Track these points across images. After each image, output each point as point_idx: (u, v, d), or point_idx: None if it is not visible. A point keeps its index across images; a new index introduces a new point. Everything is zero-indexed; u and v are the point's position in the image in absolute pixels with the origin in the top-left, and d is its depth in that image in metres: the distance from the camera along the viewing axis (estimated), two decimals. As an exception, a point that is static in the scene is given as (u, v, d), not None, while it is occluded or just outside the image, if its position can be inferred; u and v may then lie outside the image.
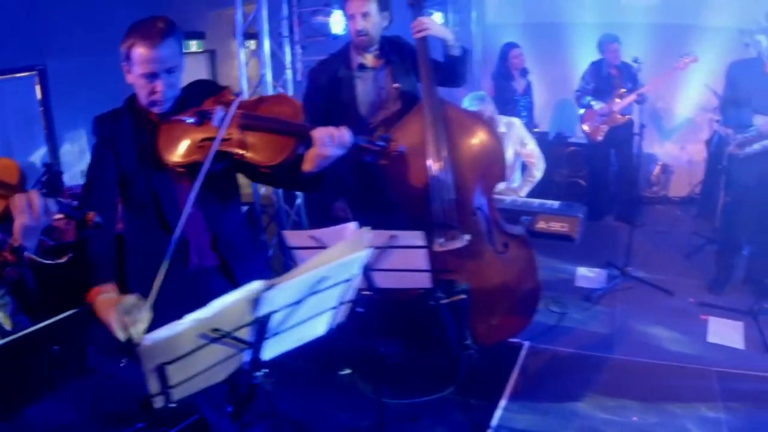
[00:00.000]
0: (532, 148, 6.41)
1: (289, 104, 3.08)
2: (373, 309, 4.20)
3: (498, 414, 4.42)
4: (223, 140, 2.87)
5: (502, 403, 4.54)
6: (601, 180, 8.59)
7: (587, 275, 6.75)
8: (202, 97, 3.04)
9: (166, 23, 2.92)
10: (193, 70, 8.46)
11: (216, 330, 2.18)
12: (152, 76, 2.88)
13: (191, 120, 2.90)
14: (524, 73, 8.60)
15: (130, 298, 2.52)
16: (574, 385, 4.77)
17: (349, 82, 4.56)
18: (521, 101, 8.47)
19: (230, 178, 3.26)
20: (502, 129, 6.29)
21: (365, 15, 4.36)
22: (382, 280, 3.50)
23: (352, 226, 3.17)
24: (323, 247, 3.15)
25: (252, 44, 7.42)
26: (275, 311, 2.28)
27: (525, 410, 4.49)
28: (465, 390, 4.50)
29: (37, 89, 6.89)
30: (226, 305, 2.16)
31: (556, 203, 5.65)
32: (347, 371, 4.69)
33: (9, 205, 2.36)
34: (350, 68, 4.56)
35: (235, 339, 2.28)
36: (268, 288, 2.17)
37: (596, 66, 8.29)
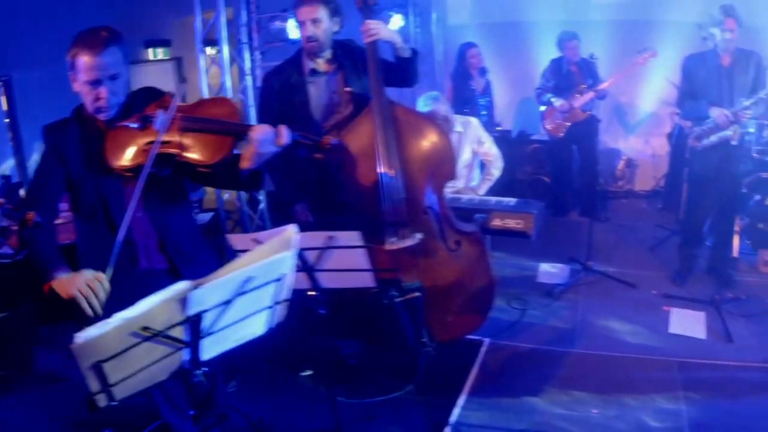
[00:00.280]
0: (489, 146, 6.39)
1: (226, 105, 3.20)
2: (333, 310, 4.20)
3: (456, 411, 4.41)
4: (164, 143, 2.97)
5: (461, 400, 4.53)
6: (564, 176, 8.62)
7: (550, 271, 6.76)
8: (146, 103, 3.13)
9: (109, 32, 3.00)
10: (160, 78, 8.47)
11: (146, 329, 2.22)
12: (96, 83, 2.98)
13: (135, 125, 3.01)
14: (483, 72, 8.59)
15: (89, 271, 2.71)
16: (534, 381, 4.75)
17: (302, 88, 4.57)
18: (481, 100, 8.46)
19: (177, 182, 3.32)
20: (458, 128, 6.31)
21: (315, 21, 4.39)
22: (327, 281, 3.51)
23: (291, 228, 3.13)
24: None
25: (214, 51, 7.43)
26: (206, 310, 2.32)
27: (484, 407, 4.47)
28: (424, 388, 4.48)
29: (3, 100, 6.84)
30: (154, 304, 2.20)
31: (512, 200, 5.61)
32: (309, 372, 4.66)
33: None
34: (302, 74, 4.58)
35: (169, 338, 2.32)
36: (195, 287, 2.23)
37: (556, 63, 8.33)
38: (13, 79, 6.82)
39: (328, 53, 4.56)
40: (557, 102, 8.13)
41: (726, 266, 6.45)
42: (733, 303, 5.91)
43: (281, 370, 4.89)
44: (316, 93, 4.59)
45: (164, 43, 9.41)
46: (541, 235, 6.69)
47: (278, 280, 2.60)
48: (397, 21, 9.14)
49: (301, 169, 4.49)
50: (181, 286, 2.23)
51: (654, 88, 9.18)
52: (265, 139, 2.99)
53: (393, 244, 4.31)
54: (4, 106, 6.94)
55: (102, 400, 2.27)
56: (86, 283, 2.70)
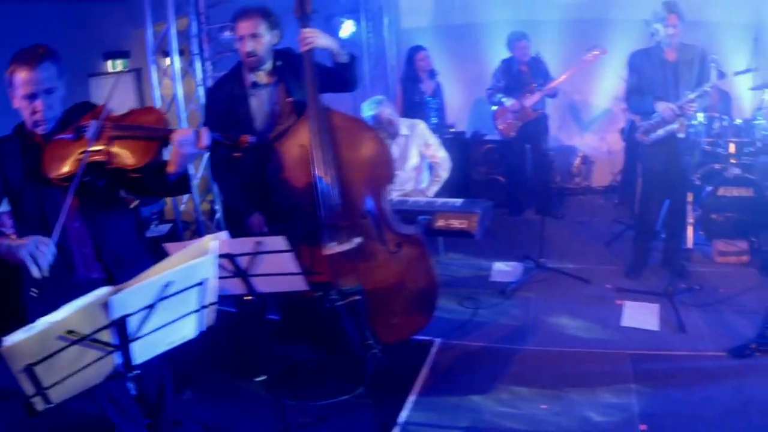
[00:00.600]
0: (436, 148, 6.46)
1: (154, 113, 3.36)
2: (285, 315, 4.53)
3: (405, 411, 4.41)
4: (96, 151, 3.10)
5: (411, 399, 4.53)
6: (518, 175, 8.66)
7: (503, 270, 6.76)
8: (81, 115, 3.25)
9: (45, 49, 3.15)
10: (119, 90, 8.35)
11: (72, 332, 2.28)
12: (32, 97, 3.12)
13: (69, 136, 3.14)
14: (432, 74, 8.61)
15: (35, 236, 2.85)
16: (484, 379, 4.76)
17: (244, 100, 4.58)
18: (431, 103, 8.47)
19: (114, 191, 3.45)
20: (404, 131, 6.37)
21: (255, 36, 4.41)
22: (261, 286, 3.53)
23: (223, 235, 3.15)
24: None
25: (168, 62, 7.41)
26: (129, 314, 2.39)
27: (433, 406, 4.47)
28: (375, 389, 4.49)
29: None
30: (77, 308, 2.27)
31: (459, 201, 5.63)
32: (262, 378, 4.66)
33: None
34: (244, 87, 4.59)
35: (97, 341, 2.37)
36: (116, 292, 2.32)
37: (506, 63, 8.38)
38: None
39: (268, 65, 4.57)
40: (508, 102, 8.17)
41: (680, 258, 6.50)
42: (687, 294, 5.98)
43: (236, 377, 4.88)
44: (258, 105, 4.60)
45: (123, 54, 9.33)
46: (495, 235, 6.83)
47: (200, 284, 2.65)
48: (348, 27, 9.18)
49: (248, 179, 4.54)
50: (101, 291, 2.31)
51: (607, 86, 9.28)
52: (185, 140, 3.11)
53: (331, 248, 4.34)
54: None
55: (39, 404, 2.32)
56: (33, 245, 2.80)
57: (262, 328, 4.34)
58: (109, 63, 9.39)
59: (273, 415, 4.09)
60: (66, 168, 3.12)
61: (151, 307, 2.45)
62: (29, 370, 2.22)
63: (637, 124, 6.32)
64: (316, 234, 4.36)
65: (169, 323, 2.61)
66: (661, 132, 6.02)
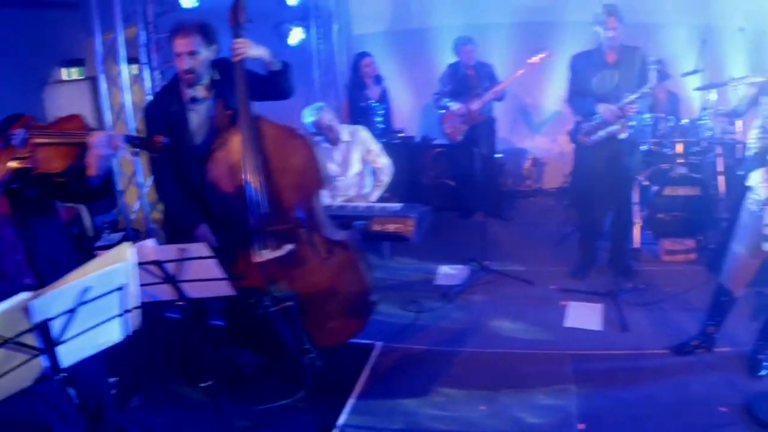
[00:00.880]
0: (377, 153, 6.52)
1: (76, 120, 3.39)
2: (228, 321, 4.64)
3: (344, 414, 4.42)
4: (22, 158, 3.17)
5: (350, 403, 4.55)
6: (467, 179, 8.61)
7: (449, 273, 6.77)
8: (11, 126, 3.29)
9: None
10: (75, 98, 8.25)
11: None
12: None
13: None
14: (378, 80, 8.60)
15: None
16: (423, 382, 4.76)
17: (183, 116, 4.53)
18: (377, 108, 8.45)
19: (45, 199, 3.47)
20: (346, 137, 6.43)
21: (192, 53, 4.35)
22: (191, 291, 3.61)
23: (149, 243, 3.34)
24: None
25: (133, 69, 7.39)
26: (51, 318, 2.46)
27: (371, 409, 4.48)
28: (316, 393, 4.41)
29: None
30: None
31: (397, 206, 5.67)
32: (208, 383, 4.63)
33: None
34: (182, 102, 4.54)
35: (21, 344, 2.43)
36: (35, 297, 2.39)
37: (453, 68, 8.42)
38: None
39: (206, 80, 4.53)
40: (454, 106, 8.21)
41: (626, 257, 6.55)
42: (632, 293, 6.02)
43: (183, 383, 4.83)
44: (198, 120, 4.56)
45: (78, 62, 9.21)
46: (443, 238, 6.87)
47: (120, 289, 2.74)
48: (297, 34, 9.17)
49: (192, 191, 4.54)
50: (21, 296, 2.37)
51: (557, 88, 9.16)
52: (99, 142, 3.19)
53: (263, 255, 4.35)
54: None
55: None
56: None
57: (206, 334, 4.56)
58: (65, 71, 9.27)
59: (219, 419, 4.09)
60: None
61: (72, 311, 2.51)
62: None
63: (578, 126, 6.31)
64: (248, 240, 4.38)
65: (94, 327, 2.68)
66: (602, 133, 6.06)
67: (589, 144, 6.20)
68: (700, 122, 7.51)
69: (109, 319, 2.75)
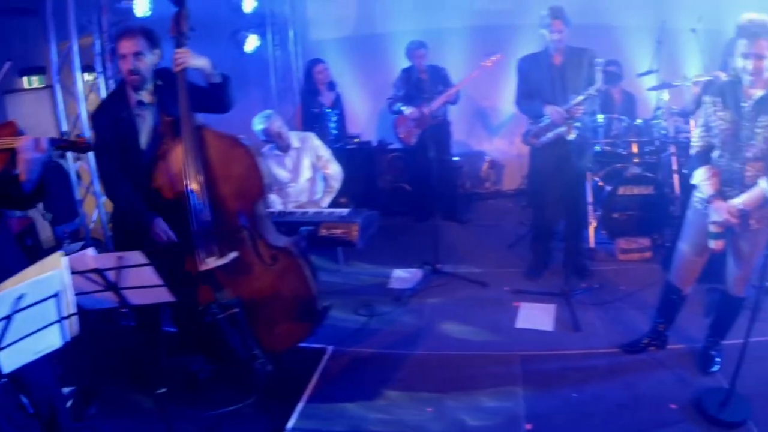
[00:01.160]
0: (327, 159, 6.57)
1: (9, 127, 3.41)
2: (180, 327, 4.66)
3: (294, 418, 4.41)
4: None
5: (299, 406, 4.54)
6: (423, 182, 8.59)
7: (402, 276, 6.75)
8: None
9: None
10: (36, 106, 8.17)
11: None
12: None
13: None
14: (332, 86, 8.60)
15: None
16: (371, 385, 4.76)
17: (130, 120, 4.53)
18: (330, 114, 8.45)
19: None
20: (295, 144, 6.49)
21: (137, 55, 4.38)
22: (132, 298, 3.64)
23: (89, 251, 3.34)
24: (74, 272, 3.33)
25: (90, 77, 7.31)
26: None
27: (319, 413, 4.48)
28: (267, 397, 4.43)
29: None
30: None
31: (345, 211, 5.75)
32: (163, 390, 4.61)
33: None
34: (129, 107, 4.54)
35: None
36: None
37: (406, 72, 8.41)
38: None
39: (150, 85, 4.54)
40: (407, 110, 8.19)
41: (580, 257, 6.58)
42: (586, 293, 6.06)
43: (139, 390, 4.80)
44: (144, 124, 4.56)
45: (39, 70, 9.12)
46: (399, 242, 6.96)
47: (55, 296, 2.78)
48: (253, 41, 9.14)
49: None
50: None
51: (513, 91, 9.24)
52: (26, 146, 3.22)
53: (207, 263, 4.35)
54: None
55: None
56: None
57: (160, 341, 4.65)
58: (25, 79, 9.18)
59: (173, 426, 4.09)
60: None
61: (8, 318, 2.56)
62: None
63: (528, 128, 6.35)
64: (194, 247, 4.38)
65: (32, 333, 2.71)
66: (550, 135, 6.09)
67: (538, 146, 6.23)
68: (654, 122, 7.57)
69: (47, 326, 2.78)
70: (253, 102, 8.96)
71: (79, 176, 7.15)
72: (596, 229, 7.12)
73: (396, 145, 9.08)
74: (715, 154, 4.28)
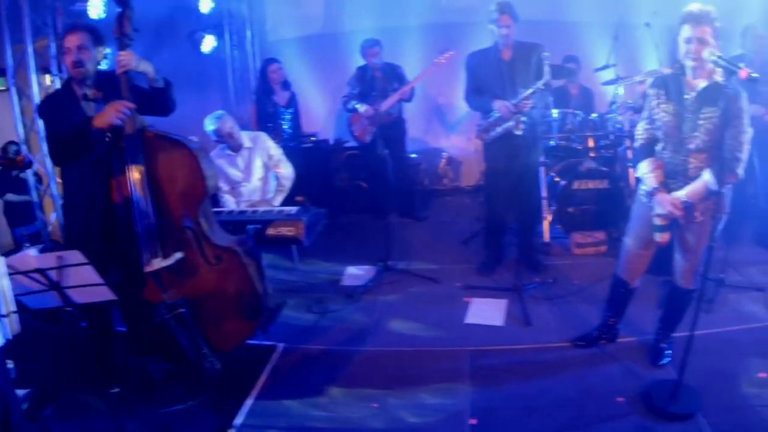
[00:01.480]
0: (278, 158, 6.59)
1: None
2: (131, 327, 4.64)
3: (241, 415, 4.39)
4: None
5: (248, 403, 4.51)
6: (380, 180, 8.55)
7: (355, 273, 6.74)
8: None
9: None
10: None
11: None
12: None
13: None
14: (286, 85, 8.57)
15: None
16: (320, 381, 4.74)
17: (80, 110, 4.50)
18: (284, 113, 8.43)
19: None
20: (247, 144, 6.50)
21: (80, 48, 4.37)
22: (76, 297, 3.68)
23: (31, 252, 3.53)
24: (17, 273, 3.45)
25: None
26: None
27: (266, 409, 4.46)
28: (218, 395, 4.42)
29: None
30: None
31: (294, 209, 5.71)
32: (117, 390, 4.61)
33: None
34: (76, 100, 4.51)
35: None
36: None
37: (361, 71, 8.40)
38: None
39: (93, 81, 4.51)
40: (361, 108, 8.17)
41: (534, 252, 6.59)
42: (539, 287, 6.08)
43: (95, 391, 4.73)
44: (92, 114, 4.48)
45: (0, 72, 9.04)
46: (355, 240, 7.35)
47: None
48: (210, 41, 9.12)
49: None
50: None
51: (464, 86, 9.36)
52: None
53: (152, 265, 4.34)
54: None
55: None
56: None
57: (114, 341, 4.67)
58: (-18, 82, 9.10)
59: (128, 425, 4.15)
60: None
61: None
62: None
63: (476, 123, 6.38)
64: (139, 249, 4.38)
65: None
66: (499, 129, 6.10)
67: (488, 140, 6.24)
68: (609, 116, 7.59)
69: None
70: (210, 102, 8.93)
71: (39, 179, 7.12)
72: (551, 224, 7.13)
73: (352, 144, 9.06)
74: (659, 146, 4.30)
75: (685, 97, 4.07)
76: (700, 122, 4.01)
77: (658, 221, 4.23)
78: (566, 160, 7.55)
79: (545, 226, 7.06)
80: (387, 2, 9.58)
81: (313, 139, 9.12)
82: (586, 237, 7.00)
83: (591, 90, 8.55)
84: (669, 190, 4.19)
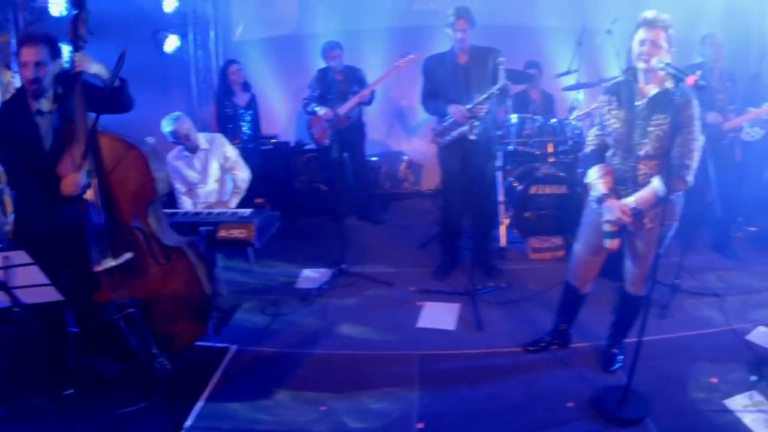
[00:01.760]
0: (235, 160, 6.55)
1: None
2: (83, 328, 4.62)
3: (191, 417, 4.34)
4: None
5: (199, 405, 4.47)
6: (338, 183, 8.55)
7: (311, 276, 6.71)
8: None
9: None
10: None
11: None
12: None
13: None
14: (246, 87, 8.54)
15: None
16: (268, 384, 4.71)
17: (31, 126, 4.42)
18: (244, 115, 8.40)
19: None
20: (204, 145, 6.45)
21: (38, 64, 4.27)
22: (24, 297, 3.67)
23: None
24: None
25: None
26: None
27: (219, 410, 4.43)
28: (170, 396, 4.43)
29: None
30: None
31: (247, 211, 5.73)
32: (70, 391, 4.57)
33: None
34: (29, 113, 4.43)
35: None
36: None
37: (321, 73, 8.34)
38: None
39: (50, 93, 4.44)
40: (321, 111, 8.09)
41: (489, 256, 6.58)
42: (493, 292, 6.08)
43: (47, 392, 4.65)
44: (45, 131, 4.45)
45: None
46: (312, 242, 7.32)
47: None
48: (173, 41, 9.05)
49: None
50: None
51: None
52: None
53: (101, 264, 4.33)
54: None
55: None
56: None
57: (67, 342, 4.60)
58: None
59: (83, 426, 4.14)
60: None
61: None
62: None
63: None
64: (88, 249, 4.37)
65: None
66: (454, 134, 6.11)
67: (442, 145, 6.26)
68: (567, 121, 7.62)
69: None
70: (173, 103, 8.84)
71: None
72: (508, 228, 7.13)
73: (312, 146, 9.00)
74: (609, 152, 4.31)
75: (636, 104, 4.09)
76: (650, 129, 4.03)
77: (607, 227, 4.23)
78: (524, 165, 7.57)
79: (502, 230, 7.06)
80: (350, 5, 9.57)
81: (273, 141, 9.07)
82: (542, 242, 7.02)
83: (552, 95, 8.58)
84: (619, 197, 4.20)
